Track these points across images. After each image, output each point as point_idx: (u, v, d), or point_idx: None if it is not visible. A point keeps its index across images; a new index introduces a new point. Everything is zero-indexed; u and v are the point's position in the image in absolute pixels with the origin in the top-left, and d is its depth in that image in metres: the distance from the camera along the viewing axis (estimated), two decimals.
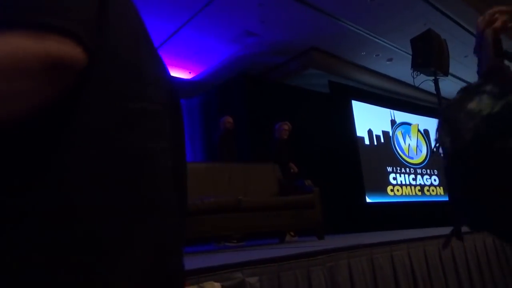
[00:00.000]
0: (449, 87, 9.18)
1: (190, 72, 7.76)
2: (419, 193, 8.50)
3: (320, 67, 7.78)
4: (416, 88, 6.36)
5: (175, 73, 7.68)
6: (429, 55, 5.14)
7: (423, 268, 2.41)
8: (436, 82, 5.44)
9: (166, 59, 7.18)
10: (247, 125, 6.35)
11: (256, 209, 3.68)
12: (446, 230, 3.09)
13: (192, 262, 1.91)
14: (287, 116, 5.56)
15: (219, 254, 2.59)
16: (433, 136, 9.37)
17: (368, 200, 7.47)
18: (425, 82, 5.55)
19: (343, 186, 7.01)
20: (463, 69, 8.41)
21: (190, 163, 6.05)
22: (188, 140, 7.66)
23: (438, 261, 2.55)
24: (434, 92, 5.54)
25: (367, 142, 8.02)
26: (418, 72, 5.44)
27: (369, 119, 8.20)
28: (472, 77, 9.20)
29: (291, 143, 5.38)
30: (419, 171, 8.73)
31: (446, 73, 5.54)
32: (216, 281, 1.44)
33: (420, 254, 2.44)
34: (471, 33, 6.85)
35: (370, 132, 8.14)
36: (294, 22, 6.40)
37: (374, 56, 7.87)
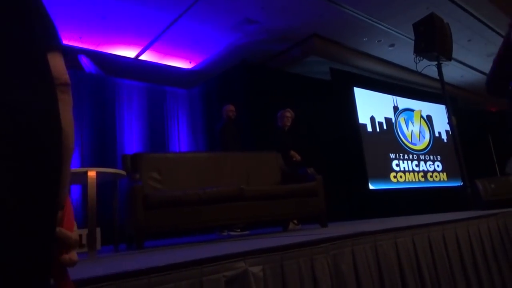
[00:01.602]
0: (452, 72, 9.10)
1: (190, 62, 7.70)
2: (422, 179, 8.49)
3: (322, 54, 7.71)
4: (419, 74, 6.28)
5: (175, 63, 7.63)
6: (432, 39, 5.06)
7: (428, 255, 2.39)
8: (439, 67, 5.37)
9: (165, 49, 7.15)
10: (249, 114, 6.31)
11: (258, 198, 3.67)
12: (450, 216, 3.08)
13: (194, 252, 1.90)
14: (289, 104, 5.51)
15: (222, 244, 2.58)
16: (436, 122, 9.31)
17: (371, 187, 7.46)
18: (428, 67, 5.48)
19: (346, 173, 6.99)
20: (467, 54, 8.31)
21: (192, 153, 6.04)
22: (189, 130, 7.64)
23: (442, 247, 2.53)
24: (437, 77, 5.47)
25: (369, 129, 7.98)
26: (421, 57, 5.36)
27: (371, 106, 8.15)
28: (475, 61, 9.09)
29: (293, 131, 5.35)
30: (422, 157, 8.70)
31: (449, 57, 5.46)
32: (218, 271, 1.43)
33: (424, 240, 2.42)
34: (475, 17, 6.74)
35: (372, 119, 8.09)
36: (295, 8, 6.32)
37: (376, 42, 7.78)
